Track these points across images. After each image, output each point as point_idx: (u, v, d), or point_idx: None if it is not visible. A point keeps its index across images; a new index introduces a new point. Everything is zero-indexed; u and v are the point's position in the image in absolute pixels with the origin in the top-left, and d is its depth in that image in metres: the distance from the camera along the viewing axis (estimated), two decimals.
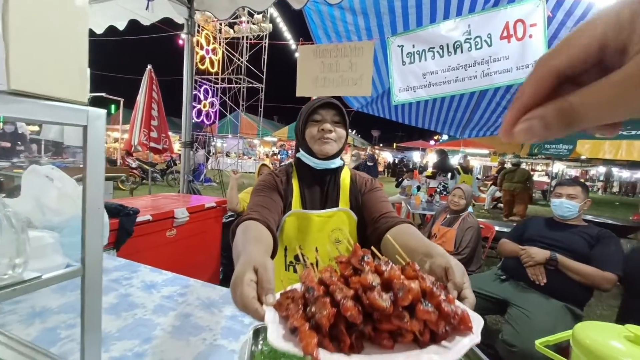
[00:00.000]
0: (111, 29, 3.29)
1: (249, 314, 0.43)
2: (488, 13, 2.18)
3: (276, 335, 0.39)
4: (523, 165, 7.93)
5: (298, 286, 0.49)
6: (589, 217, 3.50)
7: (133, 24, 3.17)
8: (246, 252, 0.57)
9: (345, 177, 1.06)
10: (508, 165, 7.76)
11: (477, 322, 0.41)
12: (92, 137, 0.52)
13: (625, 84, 0.17)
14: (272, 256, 0.77)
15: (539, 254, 1.81)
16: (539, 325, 1.59)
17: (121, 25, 3.06)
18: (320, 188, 1.03)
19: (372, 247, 0.53)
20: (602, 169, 24.28)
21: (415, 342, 0.39)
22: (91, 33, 3.59)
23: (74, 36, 0.50)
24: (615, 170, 25.59)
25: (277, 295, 0.46)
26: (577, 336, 0.68)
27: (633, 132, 3.55)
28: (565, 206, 1.91)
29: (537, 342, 0.71)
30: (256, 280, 0.47)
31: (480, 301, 1.87)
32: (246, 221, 0.79)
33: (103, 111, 0.53)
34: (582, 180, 2.04)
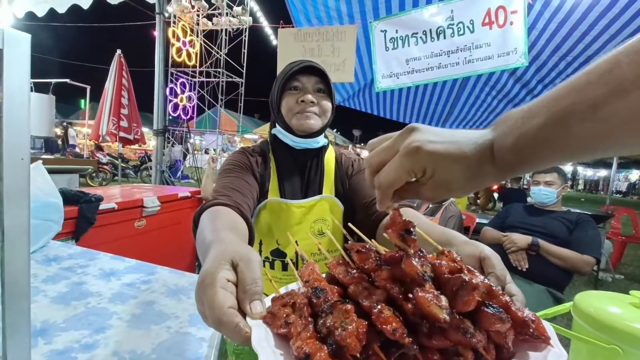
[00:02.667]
0: (76, 10, 3.05)
1: (227, 334, 0.28)
2: None
3: None
4: None
5: (295, 287, 0.37)
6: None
7: (100, 4, 2.95)
8: (219, 241, 0.41)
9: (329, 159, 0.92)
10: None
11: (550, 330, 0.30)
12: (11, 65, 0.41)
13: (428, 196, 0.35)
14: None
15: (521, 239, 1.82)
16: None
17: (86, 4, 2.83)
18: (300, 173, 0.89)
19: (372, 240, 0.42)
20: (568, 168, 25.76)
21: None
22: (53, 13, 3.34)
23: None
24: (580, 169, 27.21)
25: (267, 302, 0.32)
26: (579, 305, 0.63)
27: None
28: (544, 193, 1.94)
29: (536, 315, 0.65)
30: (235, 281, 0.32)
31: None
32: (213, 206, 0.62)
33: (26, 35, 0.43)
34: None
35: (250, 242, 0.63)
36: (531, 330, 0.28)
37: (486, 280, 0.30)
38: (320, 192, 0.88)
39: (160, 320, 0.75)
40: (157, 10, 2.88)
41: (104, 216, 1.64)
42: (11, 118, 0.42)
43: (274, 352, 0.26)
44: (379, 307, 0.27)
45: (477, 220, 3.05)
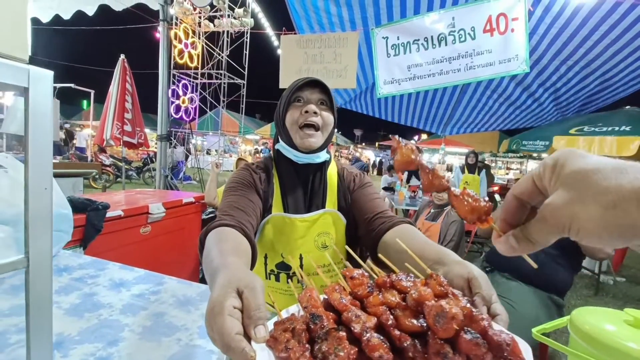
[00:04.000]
0: (80, 15, 3.08)
1: (234, 357, 0.32)
2: (471, 6, 2.19)
3: None
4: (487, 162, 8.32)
5: (294, 309, 0.40)
6: None
7: (104, 10, 2.98)
8: (226, 268, 0.45)
9: (332, 173, 0.94)
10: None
11: (526, 351, 0.33)
12: (35, 101, 0.43)
13: (545, 228, 0.28)
14: (251, 268, 0.66)
15: None
16: (524, 314, 1.61)
17: (90, 10, 2.86)
18: (303, 187, 0.91)
19: (368, 262, 0.46)
20: None
21: None
22: (58, 19, 3.37)
23: None
24: None
25: (269, 325, 0.36)
26: (576, 322, 0.65)
27: (604, 129, 3.71)
28: None
29: (534, 330, 0.68)
30: (241, 307, 0.36)
31: None
32: (218, 227, 0.67)
33: (49, 72, 0.45)
34: None
35: (253, 260, 0.66)
36: (505, 353, 0.30)
37: (468, 305, 0.33)
38: (323, 206, 0.91)
39: (171, 333, 0.78)
40: (161, 17, 2.91)
41: (111, 223, 1.67)
42: (35, 150, 0.44)
43: None
44: (368, 334, 0.30)
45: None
